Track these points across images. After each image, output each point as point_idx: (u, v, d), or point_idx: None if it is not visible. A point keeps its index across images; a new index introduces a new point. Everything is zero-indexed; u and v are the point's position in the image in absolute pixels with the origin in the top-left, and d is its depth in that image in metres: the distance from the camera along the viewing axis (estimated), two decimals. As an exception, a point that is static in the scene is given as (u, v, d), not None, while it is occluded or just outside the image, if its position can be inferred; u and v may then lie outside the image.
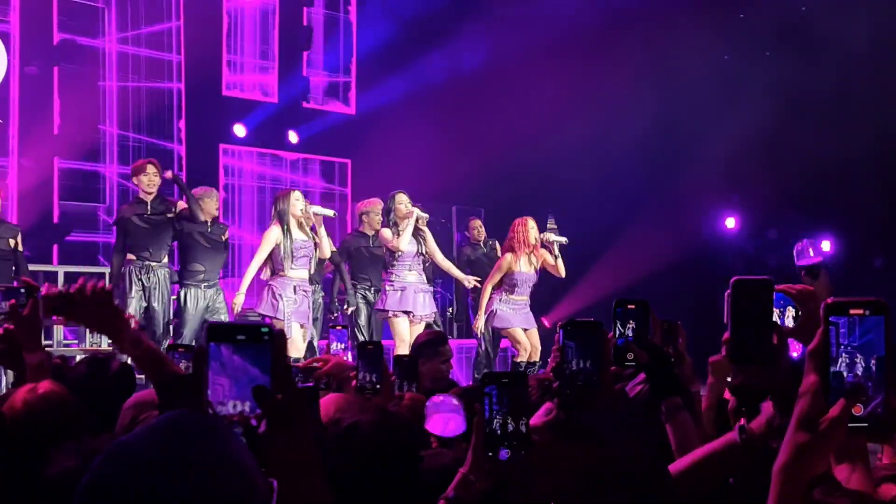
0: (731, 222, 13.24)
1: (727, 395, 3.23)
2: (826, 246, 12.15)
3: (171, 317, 8.04)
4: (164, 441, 1.13)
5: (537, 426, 1.77)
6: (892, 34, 10.58)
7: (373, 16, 13.34)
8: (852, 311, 1.23)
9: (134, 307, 7.64)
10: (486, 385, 1.77)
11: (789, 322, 1.90)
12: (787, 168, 11.52)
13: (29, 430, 2.26)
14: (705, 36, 11.80)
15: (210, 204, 8.13)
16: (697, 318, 5.04)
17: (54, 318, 2.42)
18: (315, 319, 8.43)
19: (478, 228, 10.01)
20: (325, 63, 13.38)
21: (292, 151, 12.81)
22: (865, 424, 1.22)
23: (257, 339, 1.24)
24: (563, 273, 8.51)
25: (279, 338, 1.25)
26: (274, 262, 7.57)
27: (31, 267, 8.56)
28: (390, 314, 7.99)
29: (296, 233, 7.58)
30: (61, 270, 9.79)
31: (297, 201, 7.64)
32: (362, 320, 8.58)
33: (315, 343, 8.12)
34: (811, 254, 9.08)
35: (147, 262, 7.74)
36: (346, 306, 8.73)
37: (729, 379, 3.30)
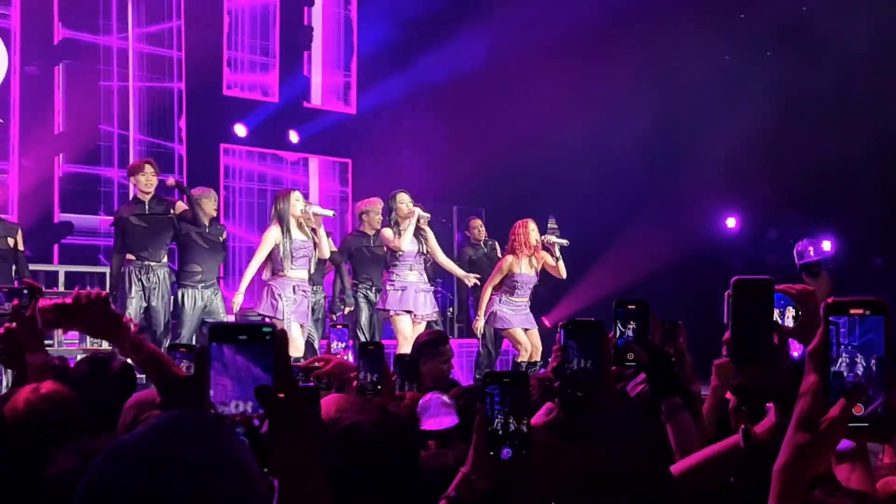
0: (731, 222, 13.24)
1: (727, 395, 3.24)
2: (827, 246, 12.15)
3: (171, 317, 8.04)
4: (164, 441, 1.13)
5: (538, 426, 1.77)
6: (892, 34, 10.58)
7: (373, 16, 13.34)
8: (852, 311, 1.23)
9: (134, 307, 7.63)
10: (488, 384, 1.77)
11: (789, 322, 1.90)
12: (787, 168, 11.52)
13: (31, 431, 2.26)
14: (705, 36, 11.80)
15: (208, 205, 8.12)
16: (698, 318, 5.03)
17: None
18: (316, 320, 8.43)
19: (478, 228, 10.00)
20: (326, 63, 13.39)
21: (293, 151, 12.81)
22: (866, 424, 1.22)
23: (259, 339, 1.24)
24: (563, 274, 8.53)
25: (281, 338, 1.26)
26: (273, 263, 7.56)
27: (32, 267, 8.56)
28: (391, 313, 7.99)
29: (295, 233, 7.58)
30: (62, 270, 9.80)
31: (297, 202, 7.64)
32: (363, 320, 8.58)
33: (316, 343, 8.12)
34: (811, 253, 9.08)
35: (146, 262, 7.72)
36: (342, 305, 8.73)
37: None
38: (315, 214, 7.73)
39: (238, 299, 7.62)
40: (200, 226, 7.93)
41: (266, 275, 7.70)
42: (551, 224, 11.25)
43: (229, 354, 1.24)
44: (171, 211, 7.88)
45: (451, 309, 11.26)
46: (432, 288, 8.44)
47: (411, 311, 7.96)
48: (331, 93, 13.50)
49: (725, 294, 1.52)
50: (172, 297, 8.02)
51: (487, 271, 8.86)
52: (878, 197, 11.16)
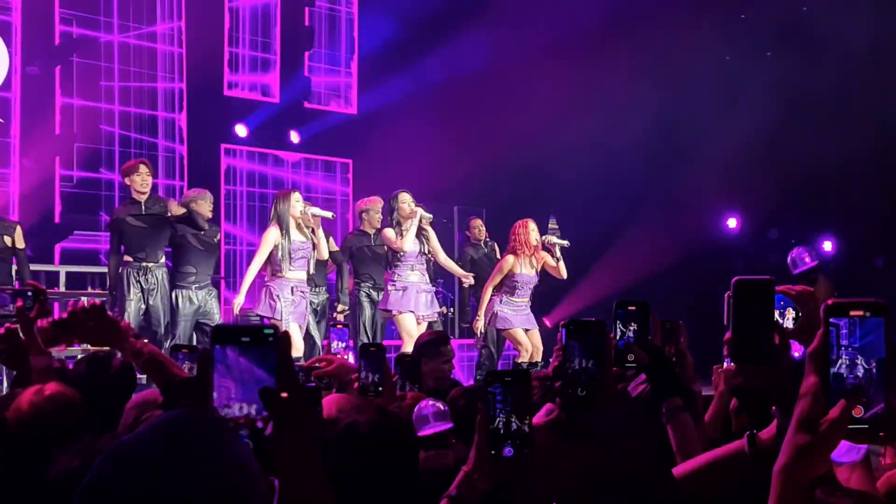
0: (732, 222, 13.24)
1: (718, 390, 3.24)
2: (827, 246, 12.15)
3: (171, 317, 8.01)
4: (164, 441, 1.14)
5: (538, 426, 1.78)
6: (892, 34, 10.58)
7: (374, 16, 13.34)
8: (852, 313, 1.23)
9: (133, 309, 7.60)
10: (490, 384, 1.77)
11: (789, 323, 1.90)
12: (787, 168, 11.52)
13: (35, 432, 2.27)
14: (706, 36, 11.80)
15: (204, 206, 8.08)
16: (698, 319, 5.04)
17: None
18: (318, 321, 8.42)
19: (478, 228, 10.00)
20: (327, 62, 13.38)
21: (294, 151, 12.81)
22: (866, 426, 1.22)
23: (262, 340, 1.25)
24: (564, 275, 8.52)
25: (284, 339, 1.26)
26: (272, 264, 7.55)
27: (33, 267, 8.54)
28: (394, 312, 7.99)
29: (294, 234, 7.57)
30: (63, 270, 9.79)
31: (297, 203, 7.63)
32: (366, 319, 8.57)
33: (319, 343, 8.11)
34: (807, 260, 9.09)
35: (144, 264, 7.69)
36: (337, 304, 8.73)
37: (719, 369, 3.31)
38: (314, 216, 7.73)
39: (239, 300, 7.60)
40: (199, 228, 7.93)
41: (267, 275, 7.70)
42: (552, 224, 11.26)
43: (232, 356, 1.24)
44: (168, 211, 7.86)
45: (451, 309, 11.25)
46: (434, 288, 8.44)
47: (414, 311, 7.96)
48: (331, 93, 13.50)
49: (725, 295, 1.52)
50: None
51: (488, 271, 8.85)
52: (878, 197, 11.16)
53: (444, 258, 8.31)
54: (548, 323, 10.59)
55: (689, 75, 11.93)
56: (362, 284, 8.67)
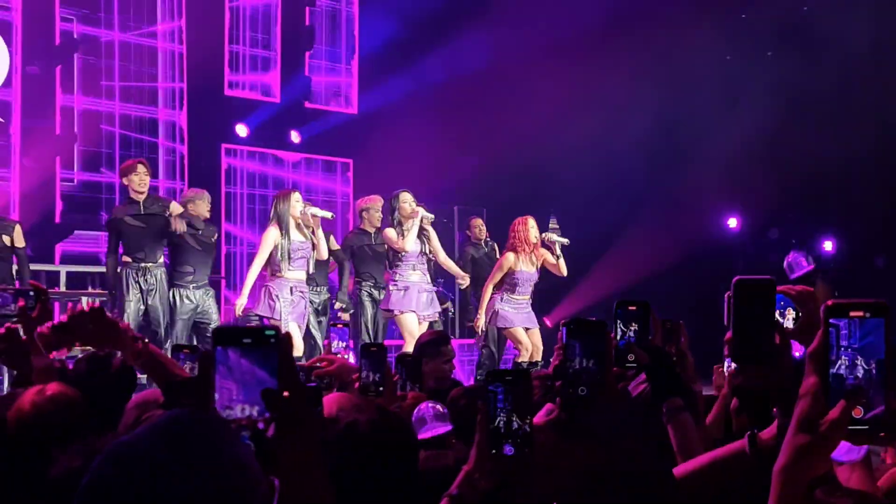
0: (732, 222, 13.24)
1: (722, 392, 3.25)
2: (828, 245, 12.16)
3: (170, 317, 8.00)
4: (165, 441, 1.14)
5: (539, 425, 1.78)
6: (892, 34, 10.58)
7: (375, 16, 13.34)
8: (852, 313, 1.23)
9: (132, 310, 7.58)
10: (491, 383, 1.78)
11: (789, 323, 1.90)
12: (788, 168, 11.52)
13: (37, 432, 2.27)
14: (707, 36, 11.80)
15: (201, 206, 8.07)
16: (699, 318, 5.04)
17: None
18: (320, 322, 8.41)
19: (479, 227, 10.00)
20: (328, 62, 13.39)
21: (294, 151, 12.82)
22: (866, 427, 1.22)
23: (264, 342, 1.25)
24: (564, 272, 8.47)
25: (285, 341, 1.26)
26: (271, 264, 7.54)
27: (34, 267, 8.53)
28: (395, 312, 7.98)
29: (294, 234, 7.57)
30: (63, 270, 9.79)
31: (296, 203, 7.62)
32: (367, 318, 8.57)
33: (320, 343, 8.10)
34: (804, 264, 9.10)
35: (143, 264, 7.66)
36: (335, 301, 8.73)
37: (725, 372, 3.31)
38: (314, 216, 7.73)
39: (241, 302, 7.59)
40: (196, 228, 7.93)
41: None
42: (552, 224, 11.24)
43: (234, 358, 1.24)
44: (167, 211, 7.85)
45: (451, 309, 11.25)
46: (435, 288, 8.43)
47: (415, 311, 7.95)
48: (332, 93, 13.50)
49: (725, 295, 1.52)
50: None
51: (488, 271, 8.83)
52: (879, 197, 11.16)
53: (443, 258, 8.30)
54: (548, 323, 10.59)
55: (689, 75, 11.93)
56: (363, 283, 8.66)
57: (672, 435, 2.13)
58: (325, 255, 7.88)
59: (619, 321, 2.15)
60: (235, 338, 1.25)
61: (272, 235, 7.50)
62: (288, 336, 1.27)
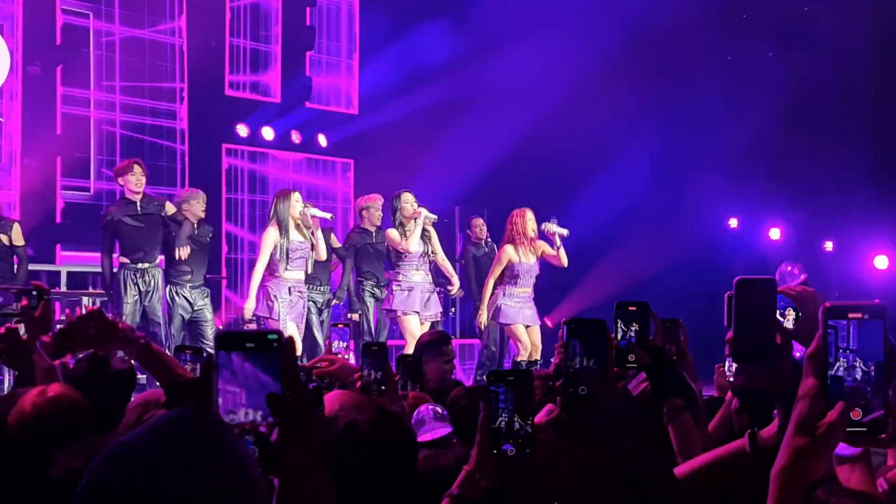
0: (733, 222, 13.23)
1: (728, 395, 3.25)
2: (828, 246, 12.16)
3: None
4: (166, 440, 1.14)
5: (539, 425, 1.78)
6: (893, 34, 10.58)
7: (376, 16, 13.34)
8: (851, 315, 1.23)
9: (130, 311, 7.56)
10: (492, 383, 1.78)
11: (789, 324, 1.91)
12: (789, 168, 11.53)
13: (38, 434, 2.27)
14: (708, 36, 11.81)
15: (196, 206, 8.06)
16: (700, 319, 5.04)
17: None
18: (322, 322, 8.40)
19: (480, 227, 10.00)
20: (328, 63, 13.39)
21: (295, 151, 12.82)
22: (864, 429, 1.22)
23: (266, 346, 1.25)
24: (565, 262, 8.30)
25: (288, 345, 1.26)
26: (269, 263, 7.55)
27: (35, 267, 8.52)
28: (399, 313, 7.96)
29: (293, 234, 7.56)
30: (64, 270, 9.78)
31: (296, 203, 7.62)
32: (369, 317, 8.56)
33: (321, 343, 8.09)
34: (797, 273, 9.11)
35: (141, 265, 7.64)
36: (334, 300, 8.72)
37: (731, 380, 3.31)
38: (314, 216, 7.72)
39: (250, 305, 7.55)
40: (192, 229, 7.94)
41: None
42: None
43: (237, 362, 1.25)
44: (164, 211, 7.83)
45: (452, 308, 11.26)
46: (437, 288, 8.41)
47: (419, 312, 7.94)
48: (333, 93, 13.51)
49: (726, 295, 1.53)
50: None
51: (489, 270, 8.81)
52: (879, 197, 11.17)
53: (442, 258, 8.28)
54: (549, 323, 10.58)
55: (690, 75, 11.93)
56: (365, 283, 8.65)
57: (672, 435, 2.13)
58: (323, 255, 7.88)
59: (619, 321, 2.15)
60: (238, 342, 1.26)
61: (272, 236, 7.49)
62: (291, 340, 1.28)
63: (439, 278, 8.63)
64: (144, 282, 7.65)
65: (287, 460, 1.23)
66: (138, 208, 7.68)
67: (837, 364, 1.23)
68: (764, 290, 1.50)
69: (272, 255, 7.48)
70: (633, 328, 2.15)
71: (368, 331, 8.50)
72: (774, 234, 12.58)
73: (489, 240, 9.90)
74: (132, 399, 3.06)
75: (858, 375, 1.22)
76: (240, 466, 1.16)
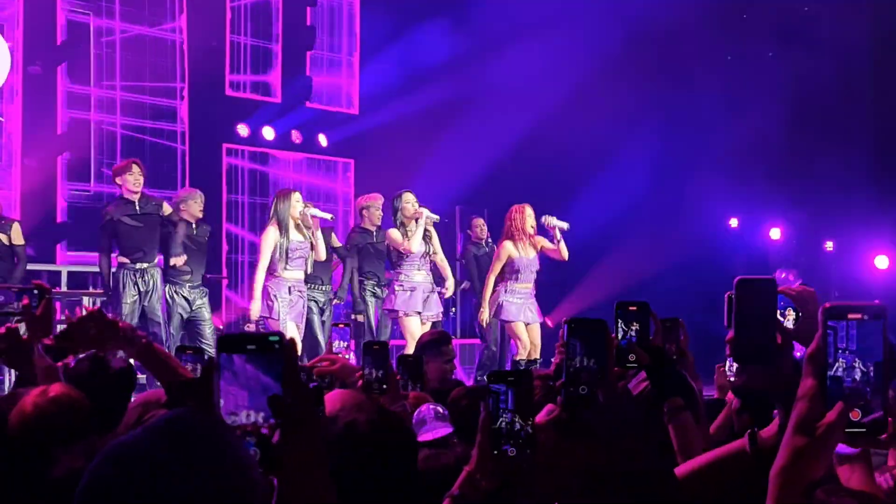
0: (733, 222, 13.23)
1: (730, 395, 3.25)
2: (829, 246, 12.16)
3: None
4: (166, 440, 1.14)
5: (540, 424, 1.78)
6: (893, 34, 10.59)
7: (376, 15, 13.34)
8: (850, 316, 1.22)
9: (129, 311, 7.54)
10: (493, 384, 1.78)
11: (789, 324, 1.91)
12: (789, 168, 11.53)
13: (40, 435, 2.27)
14: (708, 36, 11.81)
15: (194, 206, 8.06)
16: (700, 319, 5.05)
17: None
18: (323, 322, 8.39)
19: (480, 227, 10.00)
20: (329, 62, 13.40)
21: (295, 151, 12.82)
22: (863, 430, 1.21)
23: (268, 348, 1.25)
24: (565, 255, 8.25)
25: (290, 347, 1.26)
26: (270, 263, 7.54)
27: (36, 267, 8.50)
28: (401, 314, 7.95)
29: (293, 234, 7.56)
30: (64, 270, 9.78)
31: (297, 203, 7.61)
32: (370, 316, 8.55)
33: (323, 344, 8.08)
34: (791, 280, 9.12)
35: (140, 265, 7.62)
36: (335, 300, 8.71)
37: (732, 380, 3.31)
38: (314, 217, 7.72)
39: (255, 306, 7.51)
40: (191, 230, 7.95)
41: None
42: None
43: (239, 364, 1.25)
44: (161, 211, 7.83)
45: (452, 309, 11.26)
46: (438, 288, 8.40)
47: (420, 312, 7.93)
48: (333, 93, 13.51)
49: (726, 295, 1.53)
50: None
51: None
52: (879, 197, 11.17)
53: (441, 258, 8.26)
54: (549, 323, 10.58)
55: (691, 75, 11.94)
56: (367, 282, 8.63)
57: (672, 434, 2.13)
58: (323, 256, 7.87)
59: (619, 321, 2.16)
60: (240, 344, 1.26)
61: (272, 235, 7.49)
62: (292, 342, 1.28)
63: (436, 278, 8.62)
64: (144, 282, 7.64)
65: (288, 460, 1.23)
66: (137, 208, 7.66)
67: (837, 364, 1.22)
68: (764, 290, 1.50)
69: (272, 255, 7.48)
70: (633, 328, 2.16)
71: (370, 330, 8.49)
72: (775, 234, 12.58)
73: (490, 240, 9.89)
74: (133, 399, 3.06)
75: (858, 376, 1.22)
76: (240, 466, 1.16)
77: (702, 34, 11.80)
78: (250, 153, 12.50)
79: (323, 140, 12.82)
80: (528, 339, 8.29)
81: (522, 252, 8.17)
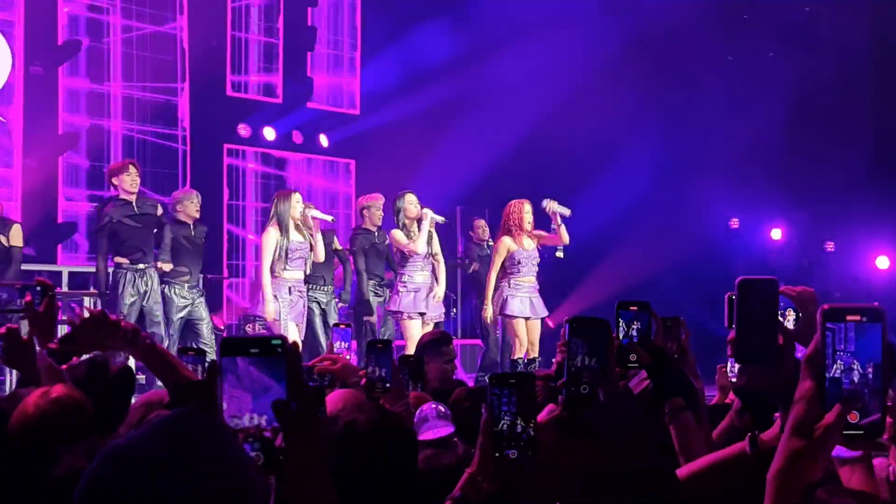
0: (734, 222, 13.24)
1: (731, 396, 3.25)
2: (829, 246, 12.16)
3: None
4: (167, 440, 1.14)
5: (541, 424, 1.78)
6: (893, 34, 10.59)
7: (377, 16, 13.34)
8: (849, 317, 1.22)
9: (128, 312, 7.52)
10: (494, 386, 1.78)
11: (789, 325, 1.91)
12: (790, 168, 11.53)
13: (41, 436, 2.26)
14: (709, 37, 11.81)
15: (190, 206, 8.05)
16: (701, 319, 5.06)
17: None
18: (325, 322, 8.38)
19: (482, 228, 10.01)
20: (330, 63, 13.40)
21: (296, 152, 12.82)
22: (861, 432, 1.21)
23: (271, 351, 1.25)
24: (566, 239, 8.21)
25: (293, 350, 1.27)
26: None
27: (36, 267, 8.48)
28: (404, 316, 7.92)
29: (293, 234, 7.55)
30: (65, 270, 9.77)
31: (297, 203, 7.61)
32: (373, 316, 8.55)
33: (324, 345, 8.07)
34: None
35: (139, 266, 7.59)
36: (339, 302, 8.69)
37: (733, 380, 3.31)
38: (314, 218, 7.72)
39: (269, 309, 7.48)
40: (183, 225, 7.95)
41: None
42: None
43: (242, 367, 1.25)
44: (158, 211, 7.82)
45: (454, 310, 11.26)
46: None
47: (424, 314, 7.91)
48: (334, 93, 13.51)
49: (727, 295, 1.53)
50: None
51: (490, 271, 8.78)
52: (879, 198, 11.17)
53: (440, 259, 8.24)
54: (550, 324, 10.58)
55: (692, 75, 11.94)
56: (369, 282, 8.63)
57: (673, 434, 2.14)
58: (321, 257, 7.87)
59: (620, 321, 2.16)
60: (243, 348, 1.26)
61: (272, 236, 7.48)
62: (295, 345, 1.28)
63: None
64: (143, 282, 7.62)
65: (290, 460, 1.24)
66: (135, 208, 7.66)
67: (835, 366, 1.22)
68: (766, 291, 1.50)
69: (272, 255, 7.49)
70: (634, 327, 2.16)
71: (372, 330, 8.47)
72: (776, 234, 12.59)
73: (491, 241, 9.89)
74: (134, 400, 3.06)
75: (856, 378, 1.21)
76: (239, 466, 1.17)
77: (703, 34, 11.80)
78: (251, 153, 12.50)
79: (324, 140, 12.82)
80: (527, 337, 8.25)
81: (522, 245, 8.13)
